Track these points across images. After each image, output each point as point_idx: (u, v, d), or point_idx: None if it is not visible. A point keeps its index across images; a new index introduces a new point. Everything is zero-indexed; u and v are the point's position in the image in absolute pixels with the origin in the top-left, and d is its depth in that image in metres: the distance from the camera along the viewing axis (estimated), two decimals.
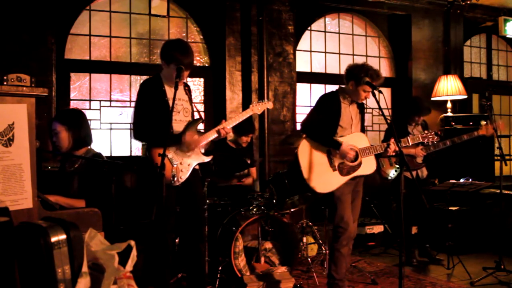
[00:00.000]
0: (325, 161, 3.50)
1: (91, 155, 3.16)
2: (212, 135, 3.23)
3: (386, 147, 3.52)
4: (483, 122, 4.44)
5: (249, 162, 4.67)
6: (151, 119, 3.09)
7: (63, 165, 3.26)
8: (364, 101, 3.68)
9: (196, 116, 3.31)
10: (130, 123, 5.16)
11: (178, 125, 3.13)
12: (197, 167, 3.22)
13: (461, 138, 4.50)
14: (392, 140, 3.46)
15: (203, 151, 3.24)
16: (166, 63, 3.07)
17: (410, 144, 3.67)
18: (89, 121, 4.88)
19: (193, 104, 3.30)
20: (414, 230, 5.06)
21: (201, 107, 5.47)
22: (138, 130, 3.13)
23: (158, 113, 3.04)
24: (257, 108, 3.47)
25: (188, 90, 3.28)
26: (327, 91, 5.98)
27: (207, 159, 3.21)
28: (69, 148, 3.14)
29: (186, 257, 3.27)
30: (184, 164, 3.11)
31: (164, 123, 2.90)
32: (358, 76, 3.45)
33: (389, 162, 4.69)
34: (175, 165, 3.06)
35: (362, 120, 3.73)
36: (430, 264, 4.85)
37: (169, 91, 3.09)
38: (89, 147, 3.25)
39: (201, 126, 4.18)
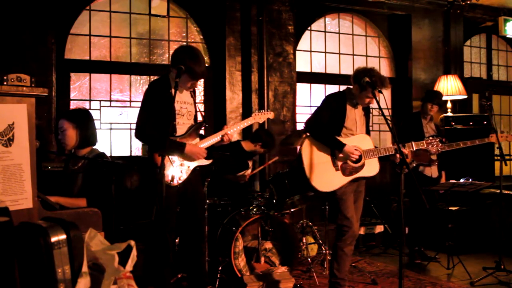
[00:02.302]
0: (328, 160, 3.50)
1: (94, 154, 3.17)
2: (214, 139, 3.25)
3: (395, 151, 3.49)
4: (492, 134, 4.49)
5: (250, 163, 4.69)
6: (155, 122, 3.09)
7: (67, 164, 3.27)
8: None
9: (199, 119, 3.32)
10: (130, 123, 5.16)
11: (181, 128, 3.15)
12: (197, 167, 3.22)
13: (473, 142, 4.49)
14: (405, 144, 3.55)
15: (201, 147, 3.24)
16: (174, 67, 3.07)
17: (414, 149, 3.67)
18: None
19: (196, 107, 3.31)
20: (406, 230, 5.05)
21: (201, 107, 5.47)
22: (141, 131, 3.12)
23: (162, 115, 3.04)
24: (259, 117, 3.51)
25: (193, 93, 3.29)
26: (327, 91, 6.05)
27: (207, 162, 3.22)
28: (74, 147, 3.16)
29: (187, 256, 3.27)
30: (184, 166, 3.12)
31: (167, 126, 2.92)
32: (360, 83, 3.44)
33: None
34: (175, 165, 3.07)
35: (367, 122, 3.73)
36: (430, 264, 4.84)
37: (177, 94, 3.12)
38: (93, 147, 3.26)
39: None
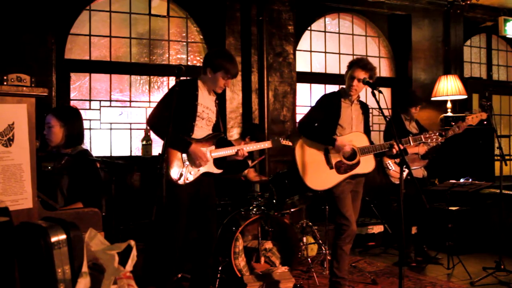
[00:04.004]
0: (321, 159, 3.50)
1: (77, 151, 3.08)
2: (228, 151, 3.26)
3: (390, 146, 3.50)
4: (468, 116, 4.59)
5: (250, 162, 4.68)
6: (175, 118, 3.11)
7: (54, 163, 3.19)
8: (358, 95, 3.65)
9: (220, 129, 3.36)
10: (130, 123, 5.17)
11: (198, 131, 3.18)
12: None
13: (454, 130, 4.47)
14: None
15: (214, 155, 3.25)
16: (212, 71, 3.13)
17: (412, 144, 3.67)
18: (89, 121, 4.94)
19: (219, 118, 3.36)
20: (414, 230, 5.05)
21: None
22: (151, 120, 3.14)
23: (182, 114, 3.06)
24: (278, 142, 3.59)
25: (217, 104, 3.35)
26: (327, 91, 6.03)
27: (217, 171, 3.23)
28: (59, 144, 3.07)
29: (193, 256, 3.28)
30: (194, 167, 3.13)
31: (183, 123, 3.03)
32: (348, 66, 3.60)
33: (397, 165, 4.66)
34: (186, 164, 3.09)
35: (366, 121, 3.71)
36: (429, 264, 4.84)
37: (201, 97, 3.17)
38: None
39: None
